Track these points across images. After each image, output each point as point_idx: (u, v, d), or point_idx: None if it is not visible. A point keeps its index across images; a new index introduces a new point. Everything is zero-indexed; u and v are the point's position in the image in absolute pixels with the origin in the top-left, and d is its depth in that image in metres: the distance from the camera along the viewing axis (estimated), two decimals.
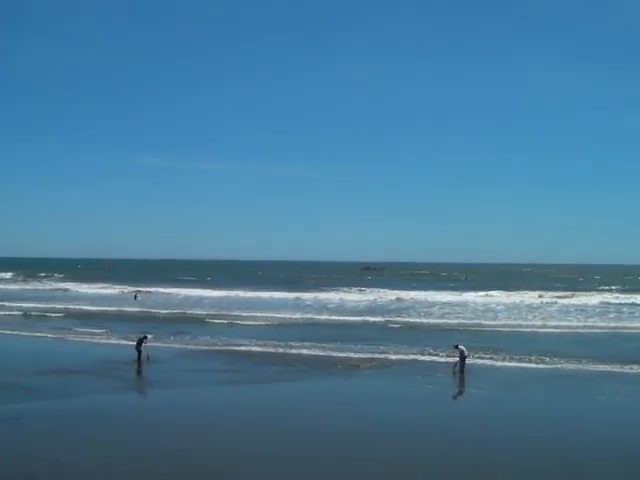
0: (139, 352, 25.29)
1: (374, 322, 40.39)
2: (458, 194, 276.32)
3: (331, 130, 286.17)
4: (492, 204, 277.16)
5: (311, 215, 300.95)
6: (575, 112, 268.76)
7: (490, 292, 64.96)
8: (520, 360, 25.60)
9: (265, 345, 29.39)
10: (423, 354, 27.15)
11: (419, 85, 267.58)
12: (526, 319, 42.05)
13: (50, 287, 78.25)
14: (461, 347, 23.79)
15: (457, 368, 23.29)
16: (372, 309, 49.90)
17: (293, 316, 43.40)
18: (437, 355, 26.88)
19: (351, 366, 24.53)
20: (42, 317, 41.89)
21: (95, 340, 31.60)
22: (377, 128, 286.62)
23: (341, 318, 42.25)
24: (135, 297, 61.43)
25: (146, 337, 25.86)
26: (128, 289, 69.95)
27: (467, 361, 23.67)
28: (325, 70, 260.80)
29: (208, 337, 32.51)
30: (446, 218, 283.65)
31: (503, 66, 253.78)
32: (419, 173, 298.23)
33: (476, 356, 25.76)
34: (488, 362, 25.32)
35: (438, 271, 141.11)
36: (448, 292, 65.71)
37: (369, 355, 26.80)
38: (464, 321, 40.58)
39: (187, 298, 61.02)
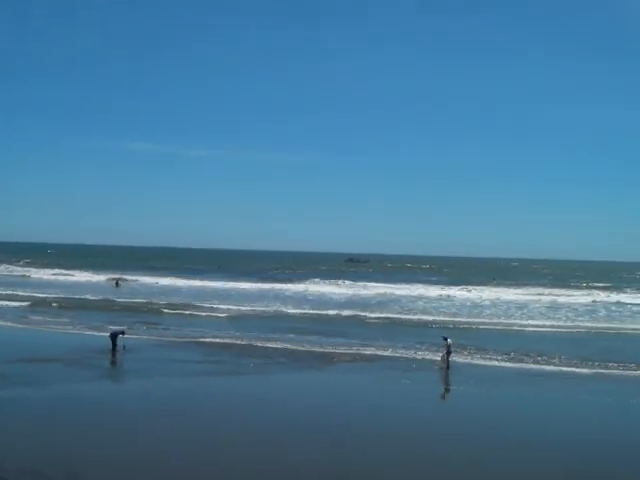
0: (114, 342, 25.71)
1: (355, 316, 41.16)
2: (450, 187, 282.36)
3: (318, 117, 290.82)
4: (486, 198, 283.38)
5: (296, 204, 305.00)
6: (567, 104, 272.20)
7: (476, 287, 66.10)
8: (505, 358, 26.33)
9: (243, 337, 30.14)
10: (406, 350, 27.88)
11: (418, 76, 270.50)
12: (513, 316, 43.07)
13: (13, 272, 78.07)
14: (449, 340, 24.49)
15: (442, 362, 24.16)
16: (353, 302, 50.68)
17: (270, 309, 44.10)
18: (420, 351, 27.64)
19: (330, 360, 25.24)
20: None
21: (65, 329, 32.03)
22: (373, 117, 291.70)
23: (321, 312, 42.91)
24: (117, 284, 62.43)
25: (123, 332, 26.28)
26: (108, 276, 71.11)
27: (451, 357, 24.53)
28: (319, 58, 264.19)
29: (185, 328, 33.32)
30: (436, 211, 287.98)
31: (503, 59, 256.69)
32: (406, 164, 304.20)
33: (461, 353, 26.61)
34: (472, 359, 26.12)
35: (423, 264, 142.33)
36: (433, 286, 66.69)
37: (349, 350, 27.53)
38: (448, 318, 41.45)
39: (165, 287, 61.69)
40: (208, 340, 29.31)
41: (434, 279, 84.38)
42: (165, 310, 41.42)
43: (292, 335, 31.44)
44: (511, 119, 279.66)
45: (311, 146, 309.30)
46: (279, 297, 53.81)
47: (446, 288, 64.44)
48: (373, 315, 41.79)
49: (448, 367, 23.87)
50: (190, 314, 40.20)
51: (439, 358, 24.93)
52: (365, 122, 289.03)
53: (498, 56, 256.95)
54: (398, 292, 60.88)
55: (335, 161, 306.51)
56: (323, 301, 51.67)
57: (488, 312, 45.61)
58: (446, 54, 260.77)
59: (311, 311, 43.45)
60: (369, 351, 27.42)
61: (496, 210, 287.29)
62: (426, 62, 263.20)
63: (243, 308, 44.08)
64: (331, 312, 43.01)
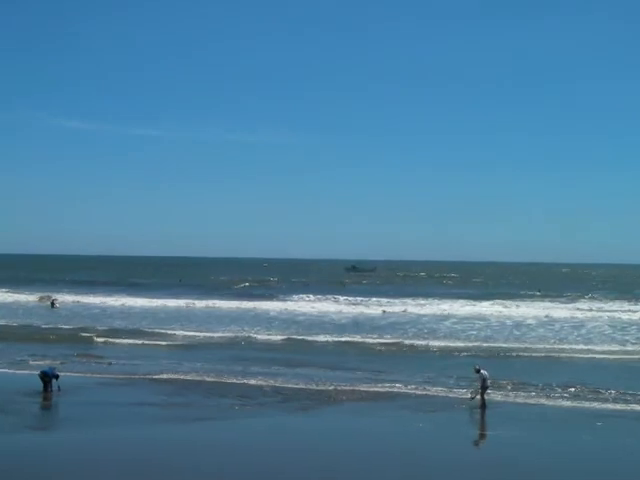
0: (45, 382, 26.07)
1: (359, 343, 41.62)
2: (471, 178, 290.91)
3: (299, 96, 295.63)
4: (522, 189, 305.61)
5: (284, 201, 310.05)
6: None
7: (516, 301, 67.04)
8: (557, 395, 26.81)
9: (212, 372, 30.66)
10: (427, 385, 28.30)
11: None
12: (566, 339, 43.63)
13: None
14: (484, 372, 24.93)
15: (474, 395, 24.68)
16: (357, 324, 51.23)
17: (248, 334, 44.66)
18: (446, 386, 28.03)
19: (329, 399, 25.74)
20: None
21: None
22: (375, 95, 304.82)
23: (316, 338, 43.34)
24: (52, 305, 63.52)
25: (57, 376, 26.46)
26: (41, 294, 72.09)
27: (487, 394, 24.94)
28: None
29: (137, 361, 33.79)
30: (456, 207, 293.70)
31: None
32: (420, 150, 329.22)
33: (499, 388, 26.96)
34: (514, 396, 26.52)
35: (443, 272, 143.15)
36: (459, 301, 67.40)
37: (353, 386, 27.91)
38: (482, 343, 41.98)
39: (113, 308, 62.36)
40: (167, 376, 29.74)
41: (460, 291, 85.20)
42: (111, 339, 41.81)
43: (277, 368, 31.91)
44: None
45: (304, 126, 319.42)
46: (259, 319, 54.25)
47: (476, 303, 65.09)
48: (383, 341, 42.27)
49: (483, 406, 24.32)
50: (143, 343, 40.67)
51: (471, 395, 25.33)
52: (368, 100, 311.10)
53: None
54: (414, 309, 61.47)
55: (333, 142, 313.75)
56: (318, 323, 52.18)
57: (534, 334, 46.16)
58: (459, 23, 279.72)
59: (301, 337, 43.90)
60: (379, 387, 27.80)
61: (537, 203, 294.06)
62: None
63: (212, 334, 44.60)
64: (329, 337, 43.51)
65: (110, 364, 32.98)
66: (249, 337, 43.61)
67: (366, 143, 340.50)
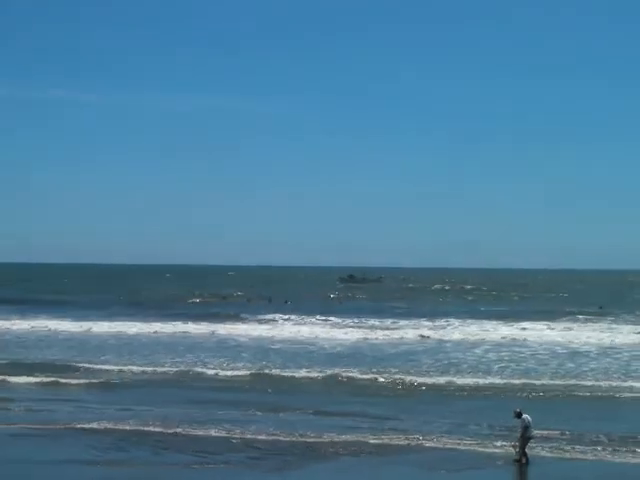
0: None
1: (356, 379, 41.43)
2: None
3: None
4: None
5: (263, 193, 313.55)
6: None
7: (568, 322, 67.77)
8: (621, 449, 26.53)
9: (161, 420, 30.39)
10: (449, 435, 28.14)
11: None
12: (634, 374, 43.30)
13: None
14: (526, 417, 24.99)
15: (517, 449, 24.56)
16: (357, 354, 51.12)
17: (207, 369, 44.50)
18: (474, 436, 27.91)
19: (320, 454, 25.63)
20: None
21: None
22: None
23: (296, 374, 42.99)
24: None
25: None
26: None
27: (529, 446, 24.81)
28: None
29: (58, 405, 33.60)
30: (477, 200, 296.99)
31: None
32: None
33: (546, 439, 26.74)
34: (567, 451, 26.22)
35: (463, 283, 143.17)
36: (487, 321, 68.24)
37: (350, 436, 27.85)
38: (523, 379, 41.56)
39: (25, 334, 62.08)
40: (101, 425, 29.41)
41: (491, 309, 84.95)
42: (23, 379, 41.16)
43: (248, 413, 31.75)
44: None
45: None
46: (221, 347, 54.26)
47: (514, 324, 65.31)
48: (390, 376, 41.96)
49: (524, 461, 24.30)
50: (67, 383, 40.24)
51: (513, 448, 25.22)
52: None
53: None
54: (432, 333, 61.33)
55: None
56: (301, 353, 52.02)
57: (592, 367, 45.91)
58: None
59: (277, 371, 43.74)
60: (386, 438, 27.59)
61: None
62: None
63: (159, 368, 44.39)
64: (315, 372, 43.22)
65: (28, 409, 32.81)
66: (206, 372, 43.38)
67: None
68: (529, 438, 24.80)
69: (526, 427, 24.76)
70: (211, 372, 43.56)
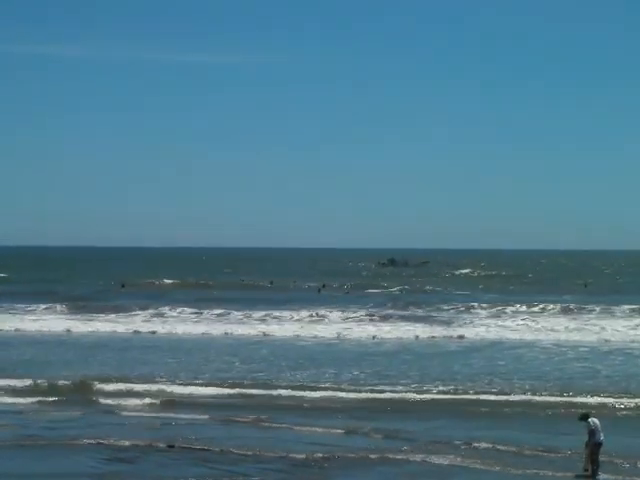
0: None
1: (410, 400, 35.48)
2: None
3: None
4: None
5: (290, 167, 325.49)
6: None
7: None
8: None
9: (155, 436, 28.53)
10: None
11: None
12: None
13: None
14: (593, 421, 24.11)
15: (585, 461, 23.66)
16: (404, 353, 47.71)
17: (167, 385, 38.44)
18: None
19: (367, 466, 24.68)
20: None
21: None
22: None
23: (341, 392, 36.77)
24: None
25: None
26: None
27: (602, 456, 23.91)
28: None
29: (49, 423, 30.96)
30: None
31: None
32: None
33: (610, 466, 24.49)
34: None
35: (527, 270, 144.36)
36: (560, 316, 65.07)
37: (397, 454, 25.89)
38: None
39: (15, 336, 57.86)
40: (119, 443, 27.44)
41: (541, 297, 79.69)
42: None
43: (278, 426, 29.88)
44: None
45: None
46: (257, 350, 49.75)
47: (578, 317, 63.11)
48: (452, 385, 37.41)
49: (590, 472, 23.49)
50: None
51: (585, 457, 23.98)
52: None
53: None
54: (505, 333, 57.25)
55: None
56: (342, 356, 47.35)
57: None
58: None
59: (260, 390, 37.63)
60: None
61: None
62: None
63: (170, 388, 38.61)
64: (362, 385, 37.92)
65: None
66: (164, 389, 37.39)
67: None
68: (597, 444, 23.55)
69: (592, 431, 23.71)
70: (172, 389, 37.55)
